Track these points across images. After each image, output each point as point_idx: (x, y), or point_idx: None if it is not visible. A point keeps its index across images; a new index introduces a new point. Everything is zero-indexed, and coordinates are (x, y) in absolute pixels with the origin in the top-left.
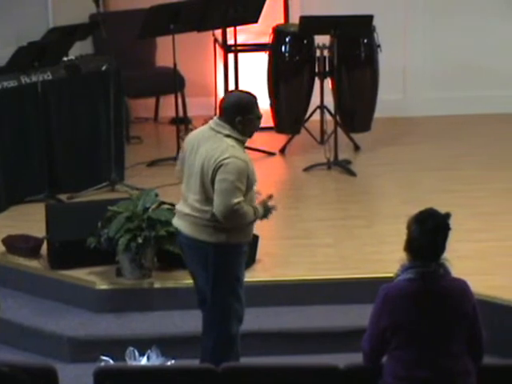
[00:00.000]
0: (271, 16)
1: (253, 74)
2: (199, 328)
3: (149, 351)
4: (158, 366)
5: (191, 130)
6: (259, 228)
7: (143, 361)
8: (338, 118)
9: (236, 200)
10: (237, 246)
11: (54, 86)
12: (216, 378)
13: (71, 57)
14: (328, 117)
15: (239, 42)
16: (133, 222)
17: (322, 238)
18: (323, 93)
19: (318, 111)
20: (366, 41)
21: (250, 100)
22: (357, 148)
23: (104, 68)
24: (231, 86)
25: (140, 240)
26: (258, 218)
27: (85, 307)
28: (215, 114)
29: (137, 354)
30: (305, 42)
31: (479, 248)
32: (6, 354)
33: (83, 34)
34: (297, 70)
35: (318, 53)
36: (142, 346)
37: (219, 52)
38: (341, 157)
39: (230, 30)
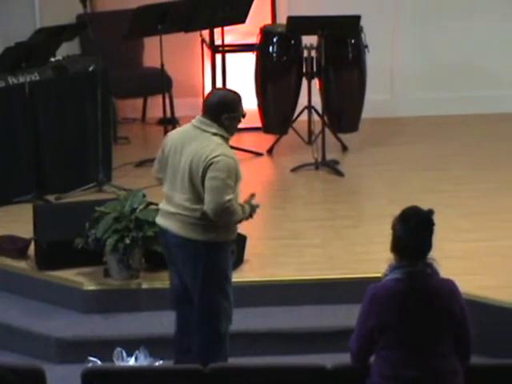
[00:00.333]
0: (259, 16)
1: (240, 75)
2: None
3: (137, 352)
4: (146, 367)
5: None
6: (247, 228)
7: (131, 361)
8: (325, 118)
9: (227, 197)
10: (224, 244)
11: (42, 87)
12: (204, 378)
13: (58, 57)
14: (316, 117)
15: (227, 42)
16: (120, 223)
17: (310, 239)
18: (311, 93)
19: (306, 111)
20: (353, 41)
21: (235, 98)
22: (344, 148)
23: (91, 68)
24: (219, 87)
25: (128, 241)
26: (245, 216)
27: (73, 308)
28: None
29: (124, 354)
30: (292, 42)
31: (468, 248)
32: None
33: (70, 35)
34: (284, 71)
35: (305, 53)
36: (130, 346)
37: (207, 52)
38: (328, 157)
39: (217, 31)
